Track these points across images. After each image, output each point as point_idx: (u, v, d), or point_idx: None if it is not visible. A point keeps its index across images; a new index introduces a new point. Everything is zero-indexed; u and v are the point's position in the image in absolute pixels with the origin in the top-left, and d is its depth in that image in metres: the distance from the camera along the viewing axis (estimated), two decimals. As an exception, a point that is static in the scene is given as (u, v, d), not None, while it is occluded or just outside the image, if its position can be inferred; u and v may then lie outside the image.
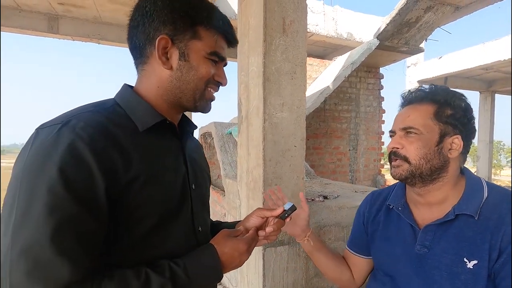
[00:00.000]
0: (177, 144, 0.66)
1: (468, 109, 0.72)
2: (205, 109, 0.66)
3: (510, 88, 8.00)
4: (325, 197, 1.66)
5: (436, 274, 0.68)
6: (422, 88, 0.75)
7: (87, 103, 0.60)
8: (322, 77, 4.64)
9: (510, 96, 9.38)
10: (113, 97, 0.63)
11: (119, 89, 0.65)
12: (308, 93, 4.50)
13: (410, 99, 0.76)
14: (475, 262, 0.64)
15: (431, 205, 0.73)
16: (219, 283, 2.60)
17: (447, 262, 0.67)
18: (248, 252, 0.64)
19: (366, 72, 5.04)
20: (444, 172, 0.70)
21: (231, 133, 3.10)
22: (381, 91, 5.21)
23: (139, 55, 0.62)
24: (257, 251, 1.43)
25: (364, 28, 5.14)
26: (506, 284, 0.61)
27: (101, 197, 0.48)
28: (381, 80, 5.20)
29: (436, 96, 0.72)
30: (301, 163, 1.46)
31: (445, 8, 3.79)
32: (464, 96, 0.73)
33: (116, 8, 4.57)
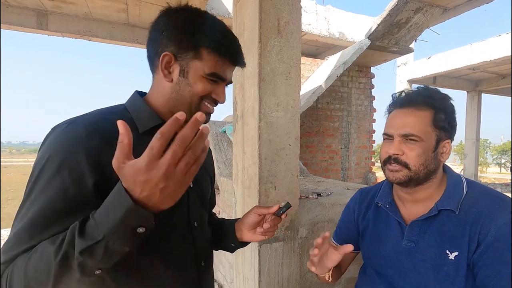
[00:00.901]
0: None
1: (454, 111, 0.75)
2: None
3: (510, 86, 8.20)
4: (319, 194, 1.71)
5: (422, 266, 0.72)
6: (418, 91, 0.76)
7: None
8: (315, 76, 4.70)
9: (511, 96, 9.64)
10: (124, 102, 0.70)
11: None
12: (301, 92, 4.55)
13: (406, 103, 0.75)
14: (456, 253, 0.68)
15: (417, 202, 0.77)
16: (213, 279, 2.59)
17: (431, 255, 0.71)
18: (150, 167, 0.43)
19: (358, 71, 5.12)
20: (435, 174, 0.74)
21: (225, 131, 3.12)
22: (372, 90, 5.30)
23: (151, 65, 0.68)
24: (253, 248, 1.46)
25: (356, 28, 5.21)
26: (484, 272, 0.66)
27: (86, 190, 0.54)
28: (372, 79, 5.29)
29: (434, 101, 0.73)
30: (296, 161, 1.49)
31: (434, 10, 3.89)
32: (450, 97, 0.75)
33: (107, 5, 4.51)
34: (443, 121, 0.72)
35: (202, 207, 0.79)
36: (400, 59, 8.22)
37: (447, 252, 0.69)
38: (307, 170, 3.03)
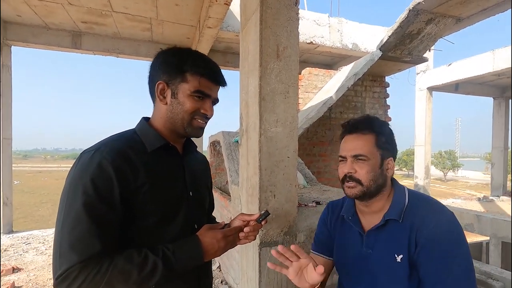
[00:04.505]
0: (177, 161, 0.88)
1: (392, 133, 0.89)
2: (195, 135, 0.86)
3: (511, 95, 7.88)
4: (318, 203, 1.83)
5: (376, 270, 0.84)
6: (361, 119, 0.90)
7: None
8: (327, 87, 4.80)
9: (510, 101, 9.22)
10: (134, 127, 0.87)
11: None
12: (313, 102, 4.67)
13: (354, 129, 0.88)
14: (401, 256, 0.80)
15: (374, 213, 0.89)
16: (225, 283, 2.79)
17: (383, 258, 0.83)
18: (224, 239, 0.82)
19: (372, 81, 5.15)
20: (384, 187, 0.87)
21: (237, 141, 3.30)
22: (386, 99, 5.30)
23: (152, 95, 0.86)
24: (254, 250, 1.61)
25: (369, 38, 5.28)
26: (422, 269, 0.78)
27: (117, 197, 0.71)
28: (387, 88, 5.30)
29: (374, 127, 0.87)
30: (294, 172, 1.63)
31: (447, 20, 3.89)
32: (387, 123, 0.90)
33: (133, 25, 4.92)
34: (384, 143, 0.86)
35: (201, 211, 0.96)
36: (419, 67, 8.10)
37: (395, 255, 0.81)
38: (316, 179, 3.13)
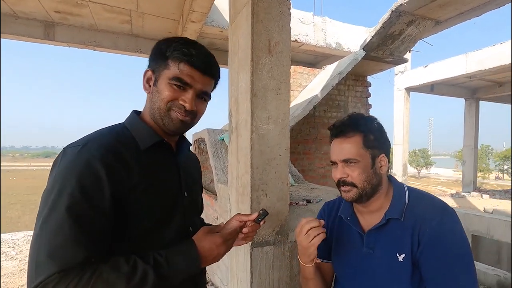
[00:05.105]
0: (172, 160, 0.81)
1: (381, 128, 0.86)
2: (174, 129, 0.76)
3: (511, 93, 8.33)
4: (308, 201, 1.81)
5: (378, 270, 0.83)
6: (345, 120, 0.86)
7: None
8: (312, 85, 4.83)
9: (511, 102, 9.76)
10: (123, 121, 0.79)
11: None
12: (298, 100, 4.68)
13: (339, 133, 0.86)
14: (403, 255, 0.79)
15: (372, 213, 0.88)
16: (211, 284, 2.71)
17: (385, 258, 0.82)
18: (224, 244, 0.76)
19: (354, 80, 5.24)
20: (380, 185, 0.85)
21: (223, 139, 3.23)
22: (368, 98, 5.42)
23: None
24: (245, 251, 1.57)
25: (352, 38, 5.36)
26: (425, 268, 0.77)
27: (108, 200, 0.63)
28: (369, 88, 5.41)
29: (359, 126, 0.84)
30: (286, 170, 1.60)
31: (426, 22, 4.03)
32: (375, 118, 0.88)
33: (111, 17, 4.68)
34: (373, 141, 0.84)
35: (195, 213, 0.90)
36: (398, 68, 8.37)
37: (397, 255, 0.80)
38: (303, 177, 3.13)
